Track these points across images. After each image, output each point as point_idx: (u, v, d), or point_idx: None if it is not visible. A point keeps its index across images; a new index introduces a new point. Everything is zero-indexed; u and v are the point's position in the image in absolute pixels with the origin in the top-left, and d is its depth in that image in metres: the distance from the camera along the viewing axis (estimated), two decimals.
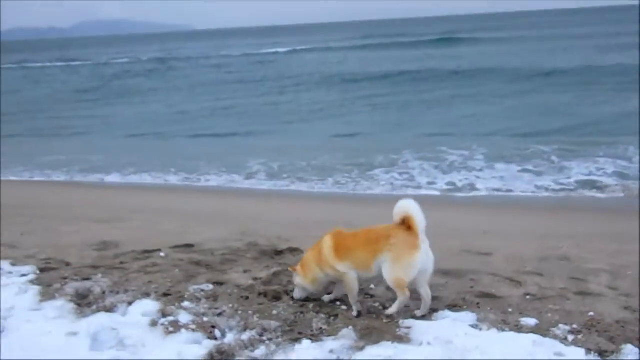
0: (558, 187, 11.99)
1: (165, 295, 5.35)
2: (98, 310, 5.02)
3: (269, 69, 49.66)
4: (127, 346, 4.43)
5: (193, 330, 4.61)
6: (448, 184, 12.68)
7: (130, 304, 5.13)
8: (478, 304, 5.14)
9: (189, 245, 7.14)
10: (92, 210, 10.08)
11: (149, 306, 5.05)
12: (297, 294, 5.25)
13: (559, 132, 17.78)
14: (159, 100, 34.05)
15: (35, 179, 15.50)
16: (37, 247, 7.15)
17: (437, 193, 12.15)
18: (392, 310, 4.83)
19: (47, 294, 5.36)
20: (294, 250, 6.80)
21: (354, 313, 4.92)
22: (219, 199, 11.90)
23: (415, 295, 4.93)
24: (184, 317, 4.83)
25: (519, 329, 4.61)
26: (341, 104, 28.18)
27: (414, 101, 27.21)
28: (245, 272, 5.96)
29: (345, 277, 4.92)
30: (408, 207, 4.73)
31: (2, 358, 4.33)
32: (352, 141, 18.97)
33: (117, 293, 5.39)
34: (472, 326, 4.63)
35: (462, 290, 5.49)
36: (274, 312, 4.97)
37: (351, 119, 23.41)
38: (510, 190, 11.99)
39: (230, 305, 5.10)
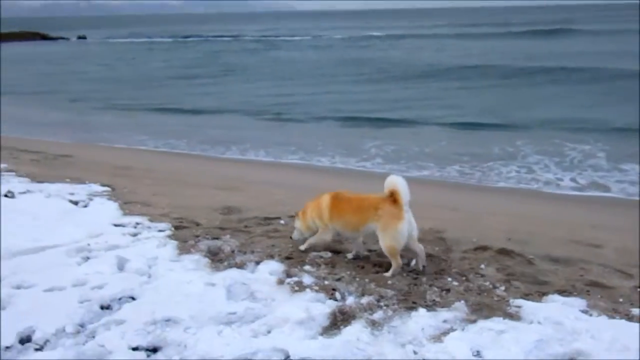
0: None
1: (288, 258, 5.85)
2: (230, 266, 5.60)
3: (370, 53, 49.79)
4: (258, 299, 4.94)
5: (316, 291, 5.04)
6: (572, 180, 12.53)
7: (257, 263, 5.68)
8: (588, 291, 5.25)
9: None
10: (210, 178, 10.84)
11: (275, 266, 5.57)
12: (295, 235, 6.18)
13: None
14: (268, 80, 35.05)
15: (160, 149, 16.74)
16: (168, 206, 7.88)
17: (569, 192, 11.89)
18: (388, 274, 5.44)
19: (184, 249, 6.01)
20: None
21: (302, 247, 6.00)
22: (333, 177, 12.34)
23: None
24: (307, 279, 5.29)
25: (629, 318, 4.69)
26: (448, 92, 27.95)
27: (522, 94, 26.56)
28: (363, 243, 6.31)
29: (324, 235, 5.82)
30: (395, 182, 5.36)
31: (151, 299, 4.95)
32: (463, 130, 18.88)
33: (245, 253, 5.95)
34: (582, 311, 4.77)
35: (572, 277, 5.61)
36: (389, 281, 5.33)
37: (460, 109, 23.09)
38: None
39: (348, 272, 5.52)
